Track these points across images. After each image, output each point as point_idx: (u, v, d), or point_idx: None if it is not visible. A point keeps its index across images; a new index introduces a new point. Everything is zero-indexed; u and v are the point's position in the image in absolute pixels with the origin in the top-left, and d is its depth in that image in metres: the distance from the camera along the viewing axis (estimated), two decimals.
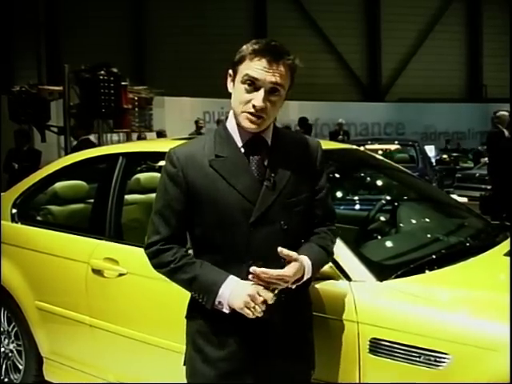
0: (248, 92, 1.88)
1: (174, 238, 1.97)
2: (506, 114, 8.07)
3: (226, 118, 2.03)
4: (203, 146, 1.98)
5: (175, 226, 1.97)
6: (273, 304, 1.85)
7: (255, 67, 1.86)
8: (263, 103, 1.86)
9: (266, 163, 1.95)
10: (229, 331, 1.95)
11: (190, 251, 2.03)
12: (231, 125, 1.99)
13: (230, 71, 1.95)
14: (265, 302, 1.84)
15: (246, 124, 1.90)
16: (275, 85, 1.87)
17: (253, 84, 1.87)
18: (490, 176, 8.59)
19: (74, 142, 8.57)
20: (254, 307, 1.83)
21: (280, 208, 1.93)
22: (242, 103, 1.89)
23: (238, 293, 1.85)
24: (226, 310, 1.89)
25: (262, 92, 1.86)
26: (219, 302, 1.89)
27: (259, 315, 1.84)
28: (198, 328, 2.00)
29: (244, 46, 1.91)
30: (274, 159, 1.96)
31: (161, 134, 11.21)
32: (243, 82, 1.88)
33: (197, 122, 11.88)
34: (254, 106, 1.86)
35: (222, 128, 2.01)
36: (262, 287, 1.84)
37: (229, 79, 1.96)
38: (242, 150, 1.96)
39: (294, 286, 1.90)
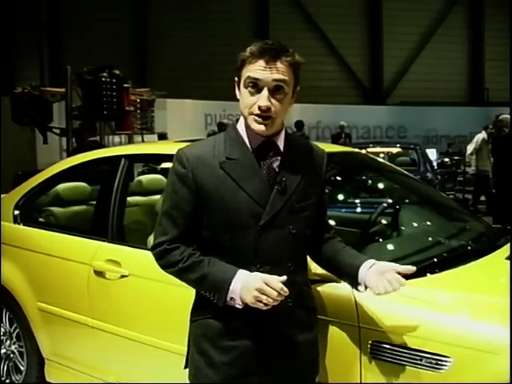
0: (252, 94, 1.88)
1: (182, 239, 1.96)
2: (508, 116, 8.22)
3: (237, 120, 2.02)
4: (213, 148, 1.97)
5: (183, 227, 1.96)
6: (279, 308, 1.85)
7: (255, 68, 1.87)
8: (268, 102, 1.86)
9: (276, 167, 1.96)
10: (234, 336, 1.95)
11: None
12: (242, 127, 1.99)
13: (236, 78, 1.95)
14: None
15: (255, 126, 1.90)
16: (277, 82, 1.87)
17: (256, 86, 1.88)
18: (494, 179, 8.62)
19: (75, 144, 8.52)
20: (265, 299, 1.82)
21: (289, 212, 1.94)
22: (248, 107, 1.90)
23: (247, 288, 1.84)
24: (238, 306, 1.88)
25: (265, 92, 1.87)
26: (231, 298, 1.88)
27: (275, 303, 1.83)
28: (202, 331, 2.00)
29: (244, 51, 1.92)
30: (285, 164, 1.96)
31: (162, 137, 11.21)
32: (246, 86, 1.89)
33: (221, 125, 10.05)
34: (259, 108, 1.87)
35: (232, 130, 2.01)
36: (269, 275, 1.84)
37: (236, 86, 1.97)
38: (253, 153, 1.96)
39: None
